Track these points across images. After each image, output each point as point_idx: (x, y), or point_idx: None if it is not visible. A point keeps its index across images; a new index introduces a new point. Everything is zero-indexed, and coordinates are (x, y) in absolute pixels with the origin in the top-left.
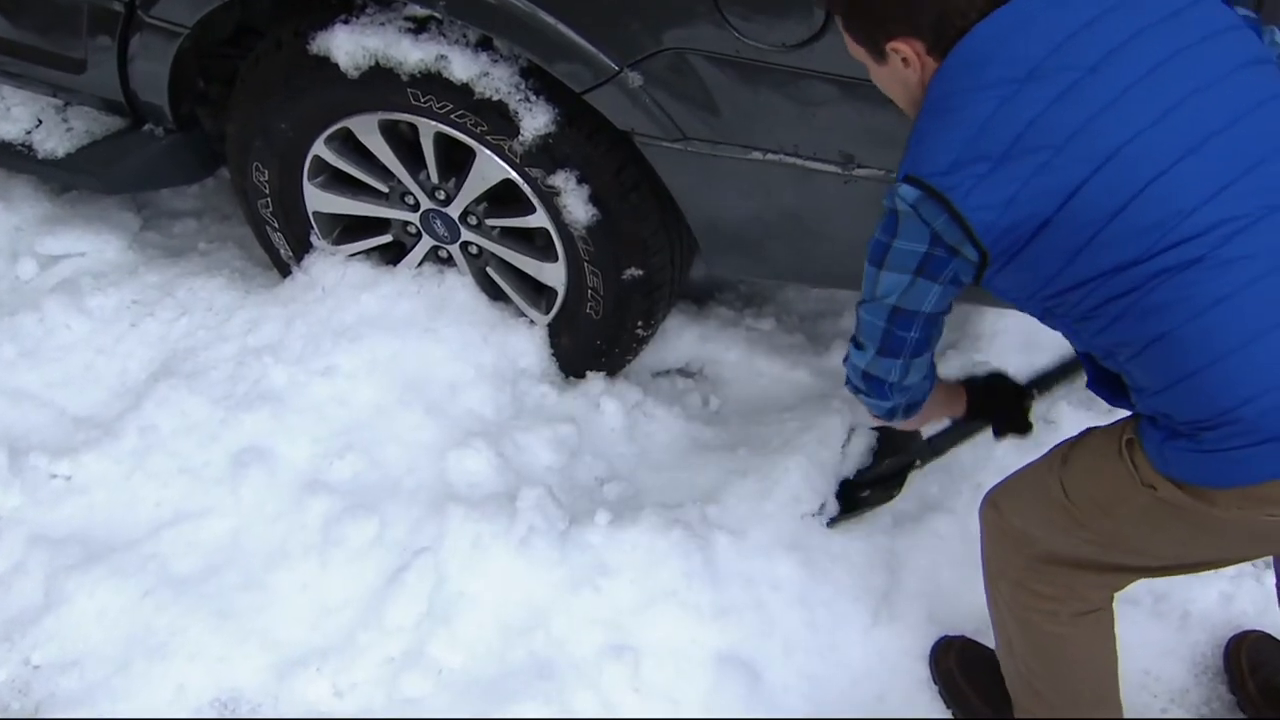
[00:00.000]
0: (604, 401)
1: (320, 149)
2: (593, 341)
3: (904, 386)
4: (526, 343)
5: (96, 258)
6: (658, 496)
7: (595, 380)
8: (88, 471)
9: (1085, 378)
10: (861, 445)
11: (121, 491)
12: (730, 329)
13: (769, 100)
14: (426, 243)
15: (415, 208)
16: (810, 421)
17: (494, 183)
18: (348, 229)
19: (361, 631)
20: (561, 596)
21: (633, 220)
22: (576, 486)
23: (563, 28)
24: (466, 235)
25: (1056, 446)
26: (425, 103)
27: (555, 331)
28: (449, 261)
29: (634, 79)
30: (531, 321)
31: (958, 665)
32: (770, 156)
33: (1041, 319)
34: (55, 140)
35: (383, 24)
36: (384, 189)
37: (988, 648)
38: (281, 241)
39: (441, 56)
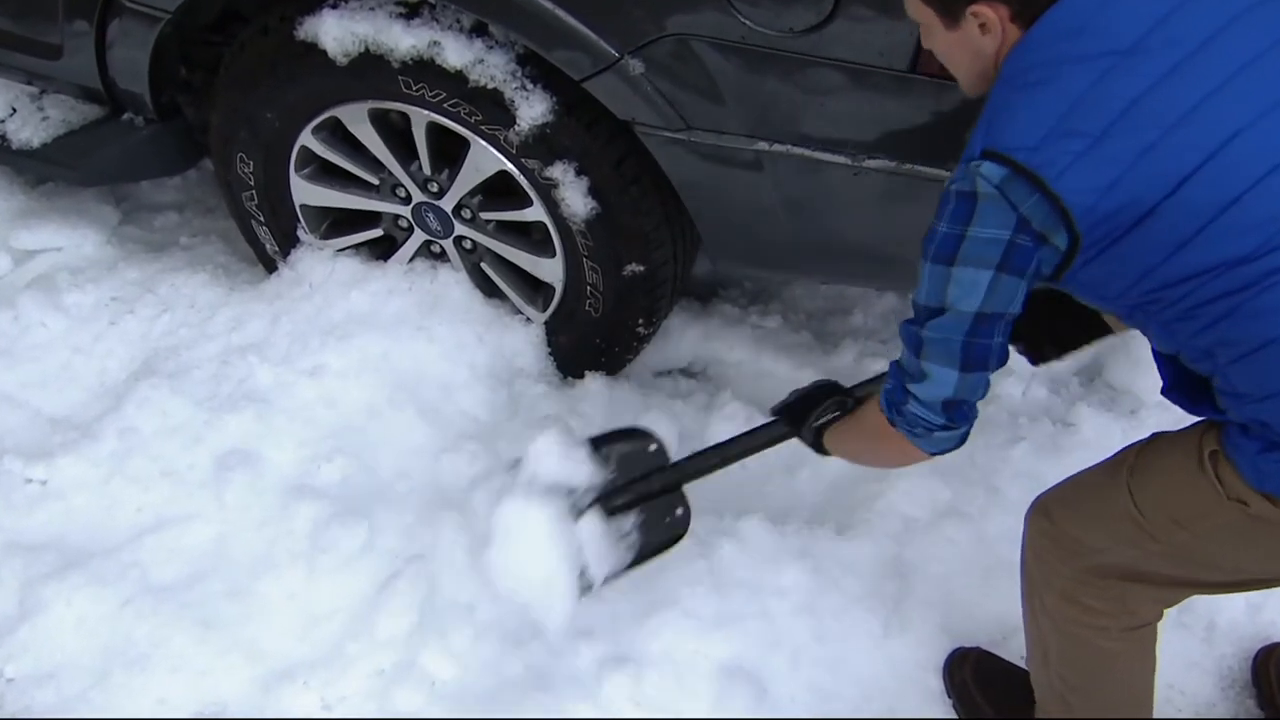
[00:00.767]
0: (603, 403)
1: (308, 139)
2: (592, 340)
3: (980, 397)
4: (523, 342)
5: (74, 253)
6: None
7: (594, 381)
8: (65, 475)
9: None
10: None
11: (100, 496)
12: (735, 327)
13: (776, 88)
14: (419, 237)
15: (407, 200)
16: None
17: (489, 175)
18: (336, 223)
19: (351, 642)
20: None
21: (634, 214)
22: (574, 491)
23: (561, 13)
24: (460, 229)
25: (1120, 452)
26: (417, 91)
27: (553, 330)
28: (442, 257)
29: (635, 66)
30: (528, 319)
31: (973, 678)
32: (777, 147)
33: (1127, 317)
34: (30, 130)
35: (373, 9)
36: (374, 181)
37: (1004, 660)
38: (267, 236)
39: (434, 43)
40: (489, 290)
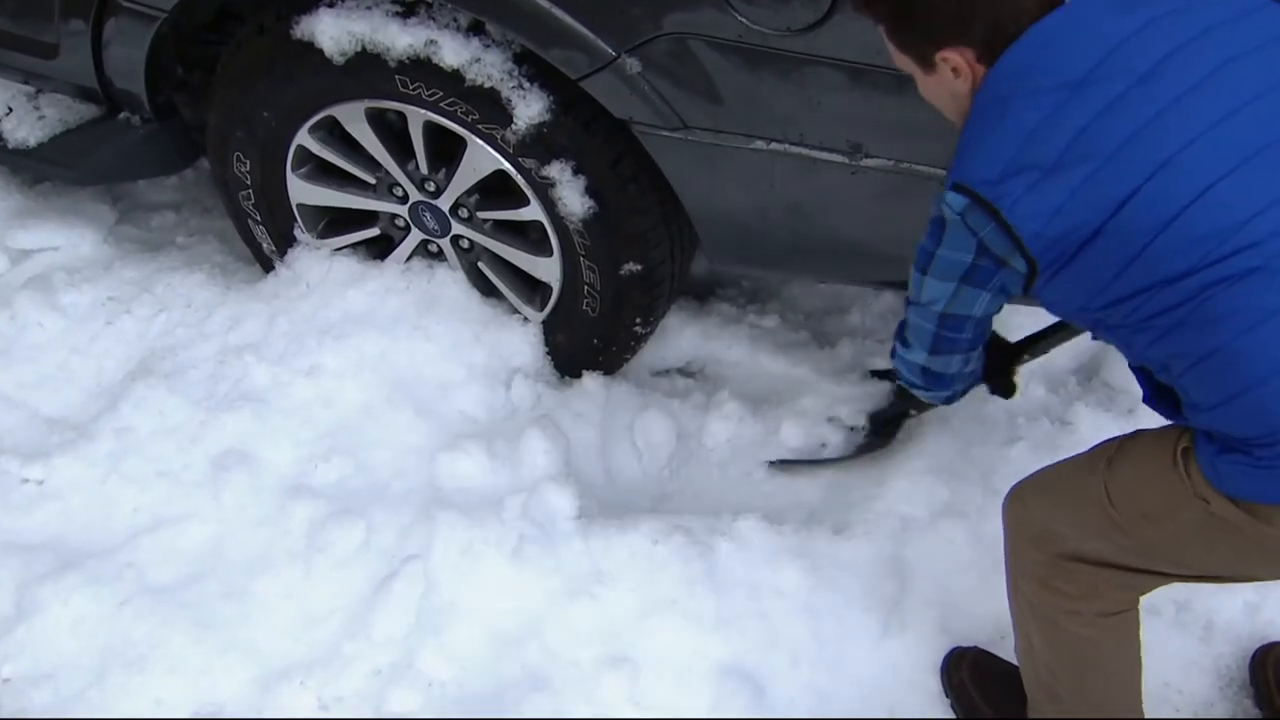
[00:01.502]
0: (601, 402)
1: (304, 139)
2: (589, 340)
3: (964, 374)
4: (520, 341)
5: (70, 252)
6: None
7: (592, 380)
8: (61, 476)
9: (1081, 336)
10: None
11: (97, 496)
12: (733, 326)
13: (773, 87)
14: (416, 236)
15: (404, 200)
16: (816, 421)
17: (486, 174)
18: (333, 222)
19: (348, 642)
20: (556, 606)
21: (631, 213)
22: (572, 491)
23: (558, 11)
24: (457, 229)
25: (1098, 446)
26: (414, 90)
27: (550, 329)
28: (439, 256)
29: (632, 65)
30: (525, 319)
31: (971, 677)
32: (774, 146)
33: (1093, 331)
34: (26, 129)
35: (369, 8)
36: (371, 180)
37: (1002, 659)
38: (264, 235)
39: (431, 41)
40: (486, 289)
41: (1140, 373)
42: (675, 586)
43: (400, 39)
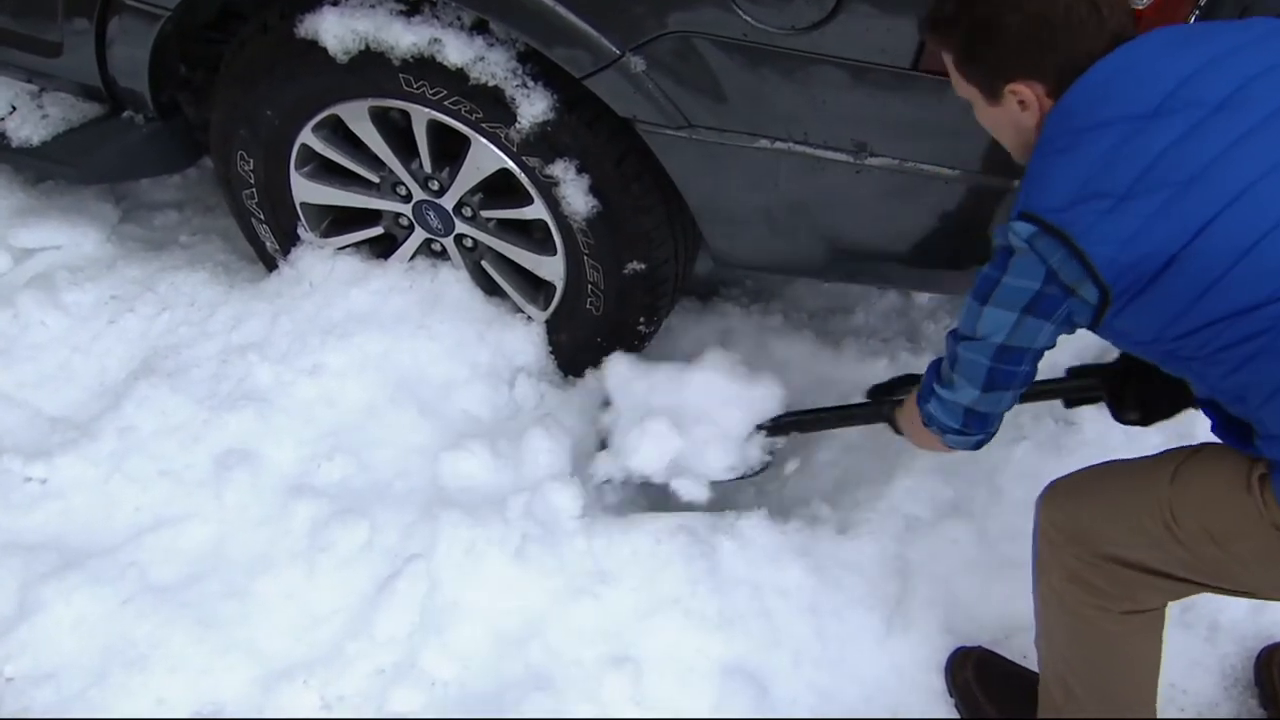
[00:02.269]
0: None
1: (308, 137)
2: (593, 339)
3: (1003, 414)
4: (523, 340)
5: (73, 251)
6: (660, 501)
7: (595, 379)
8: (64, 475)
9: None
10: None
11: (99, 495)
12: (737, 326)
13: (777, 86)
14: (419, 235)
15: (407, 199)
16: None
17: (490, 173)
18: (337, 221)
19: (350, 642)
20: (559, 605)
21: (635, 212)
22: (575, 491)
23: (562, 10)
24: (461, 227)
25: (1162, 455)
26: (418, 89)
27: (554, 328)
28: (442, 255)
29: (636, 64)
30: (529, 318)
31: (975, 677)
32: (779, 145)
33: (1163, 363)
34: (30, 128)
35: (373, 6)
36: (375, 179)
37: (1007, 659)
38: (267, 234)
39: (435, 40)
40: (490, 288)
41: (1210, 406)
42: (678, 586)
43: (404, 37)
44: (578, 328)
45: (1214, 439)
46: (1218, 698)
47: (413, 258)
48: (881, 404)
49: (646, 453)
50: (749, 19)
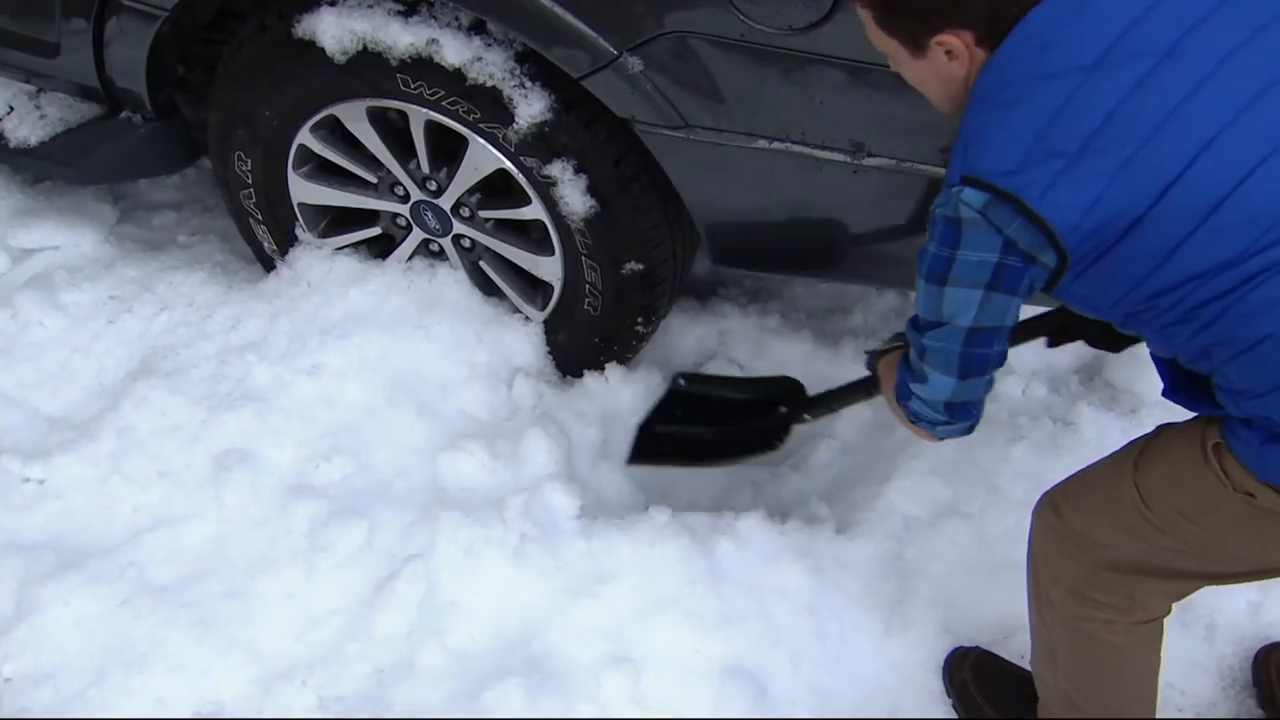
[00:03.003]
0: (602, 402)
1: (306, 138)
2: (591, 339)
3: (985, 395)
4: (521, 340)
5: (72, 251)
6: (659, 500)
7: (593, 379)
8: (63, 475)
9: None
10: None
11: (98, 496)
12: (735, 326)
13: (775, 86)
14: (417, 235)
15: (405, 199)
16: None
17: (487, 173)
18: (335, 221)
19: (349, 642)
20: (558, 605)
21: (633, 212)
22: (573, 491)
23: (559, 10)
24: (459, 228)
25: (1126, 446)
26: (416, 89)
27: (551, 328)
28: (440, 255)
29: (634, 64)
30: (527, 318)
31: (973, 677)
32: (776, 145)
33: (1122, 324)
34: (28, 128)
35: (371, 6)
36: (372, 179)
37: (1005, 659)
38: (265, 234)
39: (433, 40)
40: (488, 289)
41: (1164, 363)
42: (677, 586)
43: (402, 38)
44: (576, 328)
45: (1166, 420)
46: (1216, 698)
47: (411, 258)
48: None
49: None
50: (746, 19)
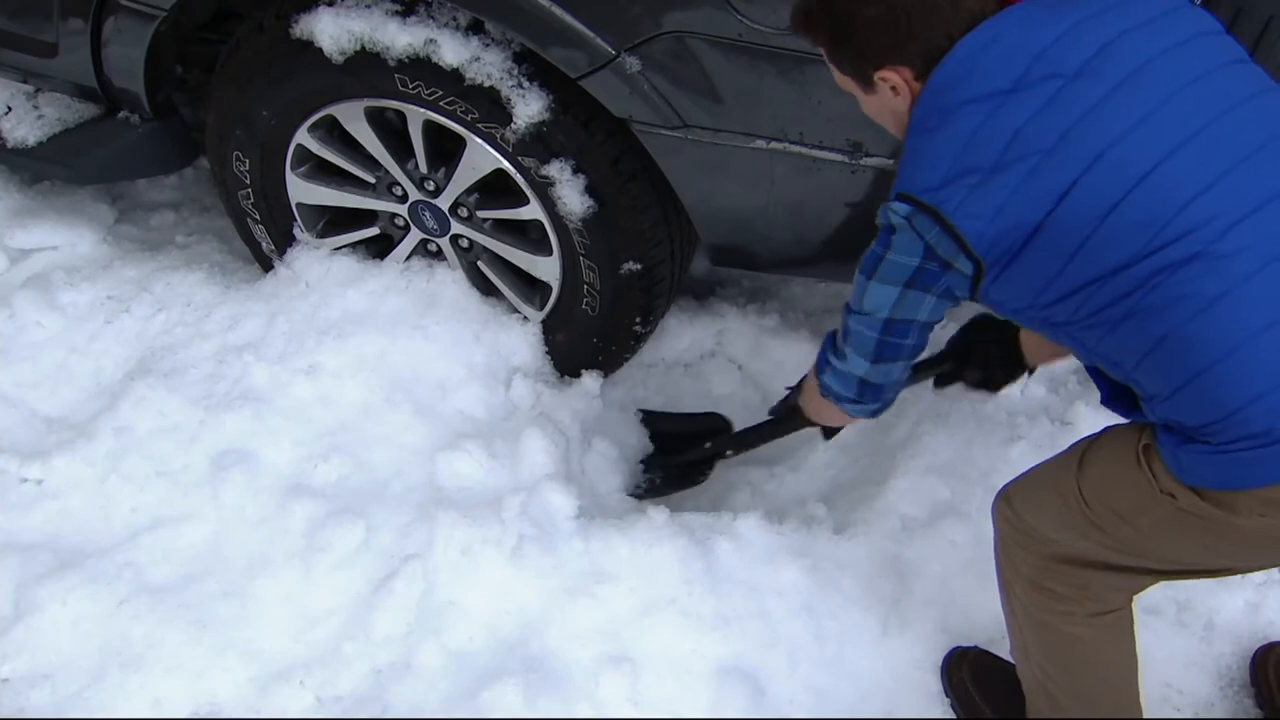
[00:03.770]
0: (601, 401)
1: (304, 138)
2: (589, 339)
3: (898, 383)
4: (519, 340)
5: (69, 251)
6: (658, 501)
7: (591, 379)
8: (60, 475)
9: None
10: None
11: (96, 496)
12: (733, 326)
13: (773, 86)
14: (415, 236)
15: (403, 199)
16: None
17: (485, 173)
18: (333, 221)
19: (347, 642)
20: (556, 605)
21: (631, 212)
22: (571, 491)
23: (557, 10)
24: (457, 228)
25: (1073, 445)
26: (413, 89)
27: (550, 328)
28: (438, 255)
29: (632, 64)
30: (525, 318)
31: (971, 677)
32: (774, 145)
33: (1044, 331)
34: (26, 128)
35: (369, 6)
36: (370, 179)
37: (1002, 658)
38: (263, 234)
39: (430, 40)
40: (486, 289)
41: (1096, 373)
42: (674, 586)
43: (400, 38)
44: (574, 328)
45: (1113, 421)
46: (1213, 697)
47: (409, 258)
48: (784, 405)
49: None
50: (744, 19)
